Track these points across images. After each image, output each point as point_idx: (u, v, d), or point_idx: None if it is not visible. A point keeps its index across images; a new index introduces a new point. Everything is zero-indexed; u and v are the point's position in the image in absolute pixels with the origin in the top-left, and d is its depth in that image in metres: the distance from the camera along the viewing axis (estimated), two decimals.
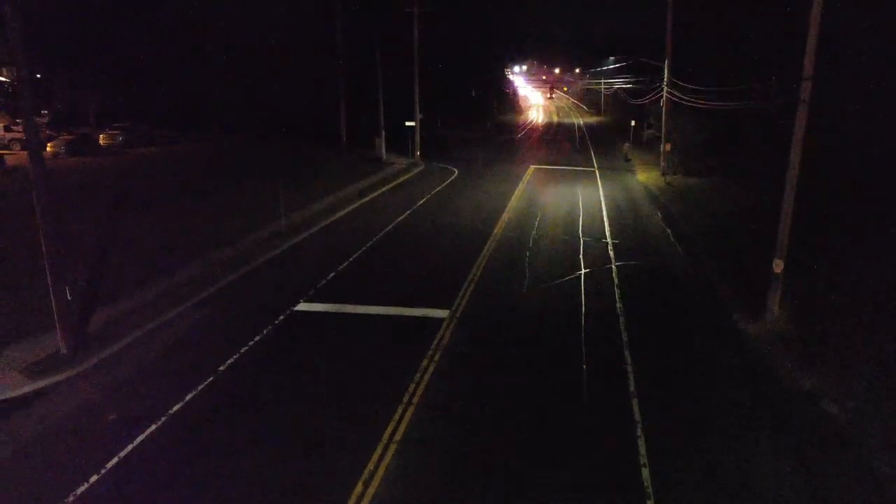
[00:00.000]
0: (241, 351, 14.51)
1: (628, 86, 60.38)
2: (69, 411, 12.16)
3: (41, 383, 13.16)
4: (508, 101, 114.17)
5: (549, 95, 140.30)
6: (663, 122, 39.32)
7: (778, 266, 15.79)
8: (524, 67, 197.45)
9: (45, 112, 41.60)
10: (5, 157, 35.08)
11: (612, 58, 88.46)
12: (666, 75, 37.05)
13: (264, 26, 50.31)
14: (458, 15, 73.73)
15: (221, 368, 13.69)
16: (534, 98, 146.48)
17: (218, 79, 51.01)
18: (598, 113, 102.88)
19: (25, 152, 17.00)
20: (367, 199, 32.03)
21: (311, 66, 51.25)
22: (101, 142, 42.57)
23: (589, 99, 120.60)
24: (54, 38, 44.49)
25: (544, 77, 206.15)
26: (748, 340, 15.58)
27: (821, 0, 13.87)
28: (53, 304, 13.88)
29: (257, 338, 15.22)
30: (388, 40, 47.28)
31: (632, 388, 13.07)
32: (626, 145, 47.63)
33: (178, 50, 51.34)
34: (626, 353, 14.70)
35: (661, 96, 39.05)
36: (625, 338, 15.47)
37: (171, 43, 51.03)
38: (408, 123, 45.47)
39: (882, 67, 25.99)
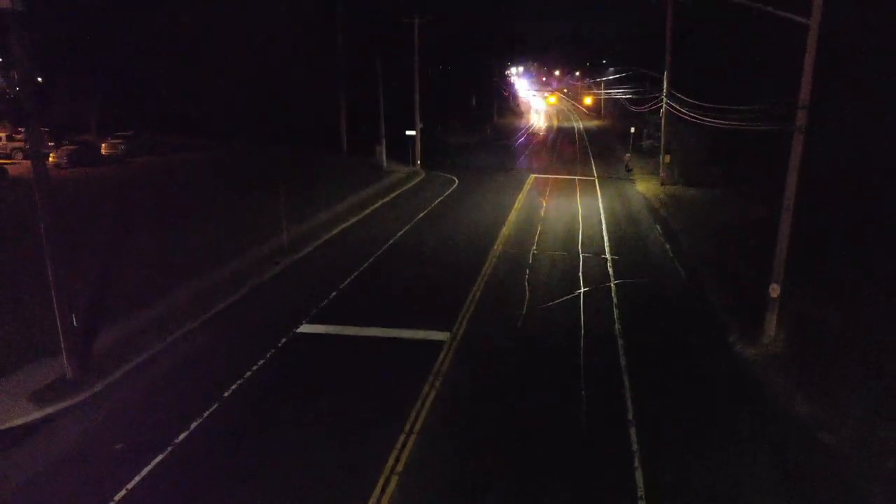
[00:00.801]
0: (245, 376, 14.71)
1: (628, 96, 60.58)
2: (77, 439, 12.36)
3: (49, 410, 13.36)
4: (509, 104, 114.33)
5: (549, 99, 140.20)
6: (662, 133, 39.55)
7: (774, 290, 16.00)
8: (522, 69, 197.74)
9: (52, 144, 41.41)
10: (7, 168, 35.19)
11: (611, 69, 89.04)
12: (665, 87, 37.26)
13: (267, 35, 50.49)
14: (458, 19, 73.93)
15: (226, 395, 13.89)
16: (534, 100, 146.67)
17: (220, 86, 51.14)
18: (598, 116, 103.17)
19: (28, 161, 17.04)
20: (368, 210, 32.22)
21: (312, 74, 51.39)
22: (103, 151, 42.72)
23: (587, 86, 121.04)
24: (55, 43, 44.72)
25: (544, 79, 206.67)
26: (746, 364, 15.78)
27: (816, 32, 14.07)
28: (60, 330, 14.08)
29: (261, 362, 15.42)
30: (389, 47, 47.53)
31: (630, 416, 13.28)
32: (628, 156, 47.85)
33: (180, 56, 51.53)
34: (625, 377, 14.91)
35: (661, 106, 39.26)
36: (623, 362, 15.68)
37: (173, 49, 51.21)
38: (408, 133, 45.68)
39: (882, 66, 26.09)
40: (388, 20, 48.50)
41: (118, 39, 49.29)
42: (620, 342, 16.83)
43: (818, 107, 16.43)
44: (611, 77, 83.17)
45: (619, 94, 69.04)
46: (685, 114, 31.55)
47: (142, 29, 50.09)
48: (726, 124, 21.78)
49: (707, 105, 26.72)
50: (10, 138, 42.22)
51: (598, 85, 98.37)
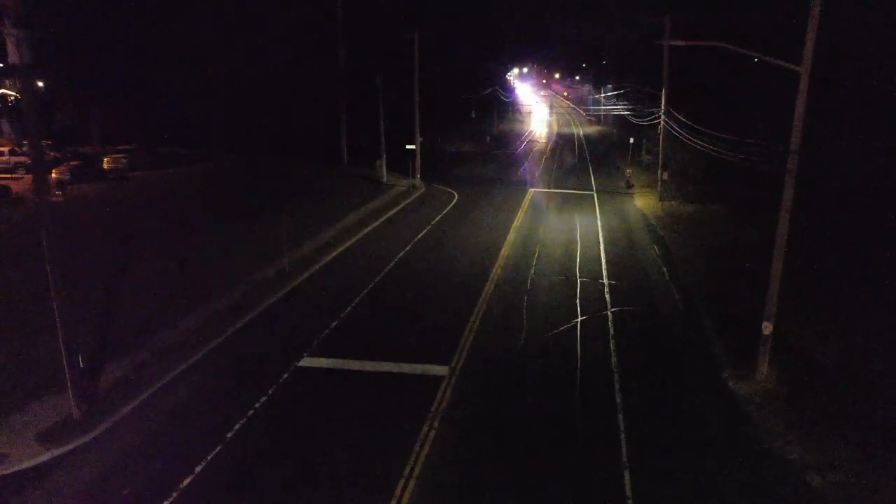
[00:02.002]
0: (248, 415, 15.01)
1: (626, 113, 60.96)
2: (85, 483, 12.64)
3: (57, 452, 13.66)
4: (509, 109, 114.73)
5: (549, 109, 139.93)
6: (660, 149, 39.87)
7: (766, 328, 16.31)
8: (521, 70, 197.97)
9: (54, 155, 41.42)
10: (10, 186, 35.47)
11: (609, 85, 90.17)
12: (663, 104, 37.58)
13: (268, 48, 50.85)
14: (458, 27, 74.26)
15: (229, 435, 14.18)
16: (534, 104, 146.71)
17: (221, 98, 51.50)
18: (598, 122, 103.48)
19: (31, 176, 17.00)
20: (368, 229, 32.49)
21: (313, 86, 51.76)
22: (105, 165, 42.97)
23: (588, 106, 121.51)
24: (57, 52, 45.08)
25: (544, 81, 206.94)
26: (739, 401, 16.05)
27: (807, 80, 14.37)
28: (67, 372, 14.39)
29: (263, 399, 15.71)
30: (389, 59, 47.85)
31: (624, 458, 13.59)
32: (629, 172, 48.00)
33: (181, 67, 51.87)
34: (620, 416, 15.22)
35: (659, 122, 39.60)
36: (619, 399, 15.98)
37: (175, 61, 51.54)
38: (408, 147, 46.00)
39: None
40: (388, 34, 48.85)
41: (121, 50, 49.65)
42: (616, 377, 17.14)
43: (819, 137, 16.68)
44: (609, 94, 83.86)
45: (617, 110, 69.62)
46: (682, 134, 31.86)
47: (144, 40, 50.44)
48: (723, 154, 22.11)
49: (703, 130, 27.01)
50: (13, 153, 42.47)
51: (597, 102, 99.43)
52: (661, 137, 39.21)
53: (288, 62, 51.93)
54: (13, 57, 12.59)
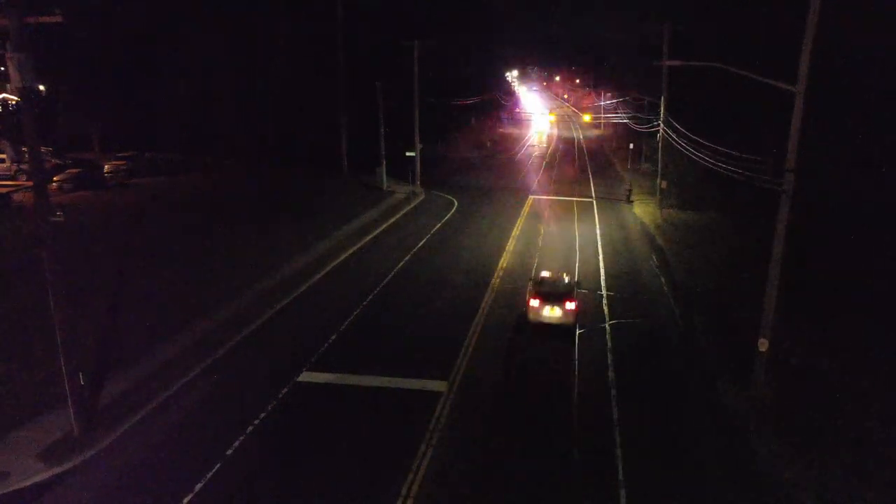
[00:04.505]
0: (247, 431, 15.12)
1: (625, 121, 61.10)
2: (85, 501, 12.77)
3: (57, 469, 13.76)
4: (509, 113, 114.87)
5: (549, 112, 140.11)
6: (659, 159, 39.98)
7: (763, 345, 16.41)
8: (522, 72, 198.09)
9: (57, 162, 41.59)
10: (11, 196, 35.53)
11: (608, 94, 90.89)
12: (662, 113, 37.71)
13: (269, 56, 51.03)
14: (458, 33, 74.38)
15: (228, 453, 14.29)
16: (534, 107, 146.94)
17: (222, 105, 51.63)
18: (598, 125, 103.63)
19: (31, 183, 16.97)
20: (368, 237, 32.56)
21: (314, 94, 51.91)
22: (106, 171, 43.09)
23: (588, 108, 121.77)
24: (58, 60, 45.31)
25: (545, 83, 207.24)
26: (734, 418, 16.13)
27: (802, 100, 14.49)
28: (68, 390, 14.49)
29: (262, 415, 15.82)
30: (389, 66, 47.99)
31: (620, 477, 13.70)
32: (628, 184, 47.92)
33: (182, 75, 52.05)
34: (616, 433, 15.32)
35: (658, 131, 39.72)
36: (615, 415, 16.09)
37: (176, 69, 51.72)
38: (408, 154, 46.14)
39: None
40: (388, 41, 49.00)
41: (122, 58, 49.84)
42: (613, 392, 17.26)
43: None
44: (609, 101, 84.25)
45: (617, 118, 69.97)
46: (681, 144, 31.99)
47: (145, 48, 50.61)
48: (721, 168, 22.24)
49: (704, 143, 27.14)
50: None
51: (598, 109, 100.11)
52: (659, 146, 39.32)
53: (288, 69, 52.07)
54: (14, 80, 12.71)
